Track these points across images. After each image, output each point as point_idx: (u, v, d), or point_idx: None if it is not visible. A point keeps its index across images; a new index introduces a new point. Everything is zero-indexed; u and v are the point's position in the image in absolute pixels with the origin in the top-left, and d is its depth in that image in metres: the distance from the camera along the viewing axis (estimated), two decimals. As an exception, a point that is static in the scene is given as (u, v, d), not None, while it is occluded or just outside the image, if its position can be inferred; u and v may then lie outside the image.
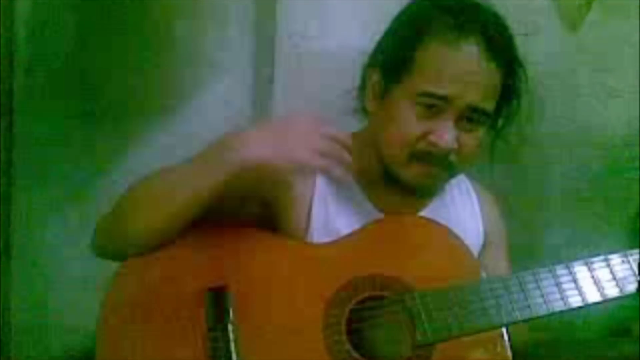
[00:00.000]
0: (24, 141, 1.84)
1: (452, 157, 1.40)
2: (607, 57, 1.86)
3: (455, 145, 1.38)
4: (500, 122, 1.49)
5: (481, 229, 1.57)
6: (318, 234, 1.42)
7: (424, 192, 1.49)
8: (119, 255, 1.34)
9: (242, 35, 1.87)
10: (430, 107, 1.37)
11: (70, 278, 1.83)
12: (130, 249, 1.32)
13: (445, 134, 1.36)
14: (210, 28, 1.86)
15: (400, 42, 1.43)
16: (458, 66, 1.36)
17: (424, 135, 1.38)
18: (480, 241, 1.56)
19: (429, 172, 1.41)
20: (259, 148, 1.24)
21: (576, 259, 1.30)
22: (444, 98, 1.35)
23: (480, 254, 1.55)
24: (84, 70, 1.84)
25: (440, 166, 1.40)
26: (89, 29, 1.83)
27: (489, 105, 1.40)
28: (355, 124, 1.56)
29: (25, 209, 1.85)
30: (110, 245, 1.36)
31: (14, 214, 1.84)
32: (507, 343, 1.31)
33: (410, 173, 1.41)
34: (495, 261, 1.57)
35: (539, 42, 1.85)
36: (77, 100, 1.84)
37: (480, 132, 1.42)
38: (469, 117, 1.39)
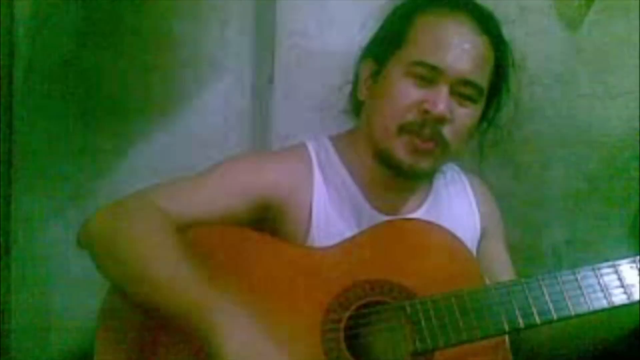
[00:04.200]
0: (24, 141, 1.83)
1: (445, 131, 1.39)
2: (607, 57, 1.86)
3: (449, 115, 1.38)
4: (491, 110, 1.52)
5: (478, 221, 1.58)
6: (319, 237, 1.42)
7: (416, 173, 1.45)
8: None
9: (242, 35, 1.87)
10: (422, 78, 1.39)
11: (70, 278, 1.83)
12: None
13: (439, 101, 1.37)
14: (210, 28, 1.86)
15: (394, 24, 1.47)
16: (449, 35, 1.40)
17: (416, 105, 1.39)
18: (478, 233, 1.57)
19: (420, 146, 1.39)
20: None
21: (576, 259, 1.30)
22: (436, 68, 1.38)
23: (479, 245, 1.56)
24: (84, 70, 1.83)
25: (432, 139, 1.39)
26: (88, 28, 1.83)
27: (481, 80, 1.42)
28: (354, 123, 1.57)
29: (25, 209, 1.85)
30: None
31: (14, 214, 1.84)
32: (508, 351, 1.31)
33: (401, 147, 1.40)
34: (495, 251, 1.58)
35: (539, 42, 1.86)
36: (77, 100, 1.84)
37: (474, 110, 1.43)
38: (462, 93, 1.40)
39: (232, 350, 1.13)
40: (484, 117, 1.50)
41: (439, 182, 1.57)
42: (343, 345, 1.26)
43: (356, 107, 1.54)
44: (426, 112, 1.38)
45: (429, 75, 1.38)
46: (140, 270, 1.23)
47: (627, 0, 1.84)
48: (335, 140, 1.54)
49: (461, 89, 1.39)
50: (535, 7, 1.85)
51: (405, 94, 1.39)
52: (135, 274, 1.24)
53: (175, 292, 1.19)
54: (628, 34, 1.84)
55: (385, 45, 1.46)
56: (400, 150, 1.40)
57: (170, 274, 1.21)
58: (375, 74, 1.46)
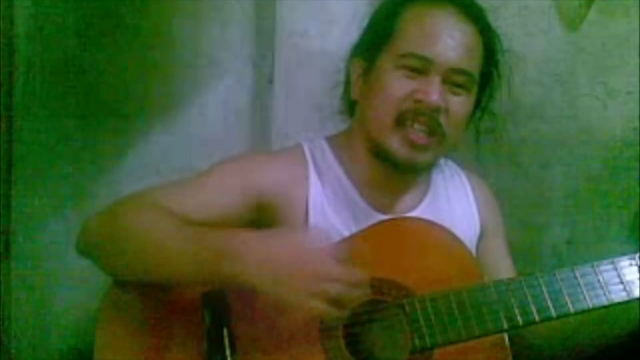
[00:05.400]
0: (24, 141, 1.84)
1: (442, 120, 1.39)
2: (607, 57, 1.86)
3: (442, 104, 1.38)
4: (484, 98, 1.51)
5: (477, 220, 1.57)
6: None
7: (415, 167, 1.45)
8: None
9: (242, 35, 1.88)
10: (413, 70, 1.39)
11: (70, 278, 1.83)
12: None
13: (432, 91, 1.37)
14: (210, 28, 1.87)
15: (380, 21, 1.47)
16: (437, 25, 1.40)
17: (409, 95, 1.39)
18: (477, 231, 1.56)
19: (417, 138, 1.39)
20: (258, 275, 1.16)
21: (576, 258, 1.29)
22: (426, 59, 1.38)
23: (479, 243, 1.56)
24: (84, 70, 1.84)
25: (428, 129, 1.39)
26: (88, 28, 1.84)
27: (472, 68, 1.42)
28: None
29: (25, 209, 1.85)
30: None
31: (14, 214, 1.84)
32: (507, 349, 1.31)
33: (398, 141, 1.40)
34: (494, 250, 1.58)
35: (539, 42, 1.86)
36: (77, 100, 1.85)
37: (468, 98, 1.43)
38: (454, 81, 1.40)
39: (254, 271, 1.15)
40: (477, 105, 1.50)
41: (438, 179, 1.56)
42: (342, 344, 1.26)
43: (350, 107, 1.54)
44: (419, 101, 1.38)
45: (419, 66, 1.38)
46: (146, 251, 1.25)
47: (627, 0, 1.84)
48: (331, 140, 1.54)
49: (453, 78, 1.39)
50: (535, 7, 1.85)
51: (398, 87, 1.39)
52: (141, 256, 1.25)
53: (183, 250, 1.21)
54: (628, 34, 1.84)
55: (374, 42, 1.46)
56: (395, 144, 1.40)
57: (174, 234, 1.24)
58: (366, 72, 1.46)
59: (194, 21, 1.86)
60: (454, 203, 1.56)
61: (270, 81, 1.88)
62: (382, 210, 1.47)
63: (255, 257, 1.16)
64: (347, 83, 1.53)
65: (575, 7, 1.85)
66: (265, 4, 1.86)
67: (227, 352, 1.23)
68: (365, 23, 1.52)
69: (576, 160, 1.90)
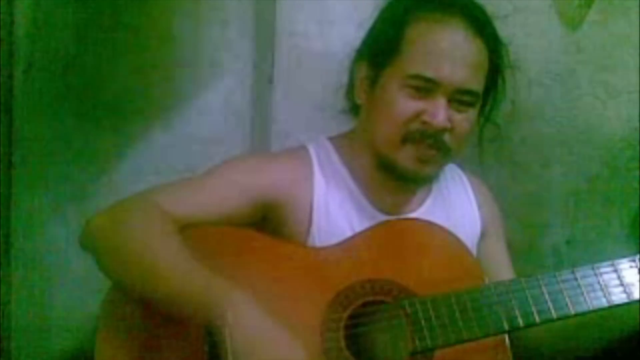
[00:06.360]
0: (24, 141, 1.84)
1: (447, 138, 1.40)
2: (607, 57, 1.86)
3: (449, 125, 1.38)
4: (488, 106, 1.51)
5: (478, 221, 1.57)
6: (319, 236, 1.42)
7: (420, 179, 1.47)
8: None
9: (242, 35, 1.87)
10: (419, 90, 1.38)
11: (70, 278, 1.83)
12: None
13: (438, 113, 1.37)
14: (210, 28, 1.86)
15: (386, 28, 1.45)
16: (445, 44, 1.38)
17: (416, 116, 1.38)
18: (478, 233, 1.57)
19: (423, 155, 1.40)
20: (235, 338, 1.15)
21: (576, 258, 1.29)
22: (432, 81, 1.37)
23: (480, 245, 1.56)
24: (84, 70, 1.84)
25: (434, 148, 1.40)
26: (88, 28, 1.83)
27: (477, 86, 1.41)
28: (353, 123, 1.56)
29: (25, 209, 1.85)
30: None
31: (14, 214, 1.84)
32: (508, 350, 1.31)
33: (405, 157, 1.40)
34: (495, 252, 1.58)
35: (539, 42, 1.86)
36: (77, 100, 1.84)
37: (472, 113, 1.43)
38: (460, 100, 1.39)
39: (240, 336, 1.14)
40: (481, 112, 1.49)
41: (440, 181, 1.57)
42: (343, 344, 1.26)
43: (353, 107, 1.54)
44: (426, 122, 1.38)
45: (425, 87, 1.37)
46: (145, 271, 1.24)
47: (627, 0, 1.84)
48: (336, 141, 1.54)
49: (458, 97, 1.39)
50: (535, 7, 1.85)
51: (404, 107, 1.38)
52: (140, 275, 1.25)
53: (182, 287, 1.20)
54: (628, 34, 1.85)
55: (380, 52, 1.44)
56: (405, 159, 1.41)
57: (176, 271, 1.22)
58: (372, 80, 1.45)
59: (194, 21, 1.86)
60: (455, 204, 1.56)
61: (270, 81, 1.88)
62: (385, 211, 1.47)
63: (243, 329, 1.15)
64: (351, 84, 1.52)
65: (575, 7, 1.85)
66: (265, 4, 1.86)
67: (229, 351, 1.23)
68: (369, 24, 1.50)
69: (576, 160, 1.90)
